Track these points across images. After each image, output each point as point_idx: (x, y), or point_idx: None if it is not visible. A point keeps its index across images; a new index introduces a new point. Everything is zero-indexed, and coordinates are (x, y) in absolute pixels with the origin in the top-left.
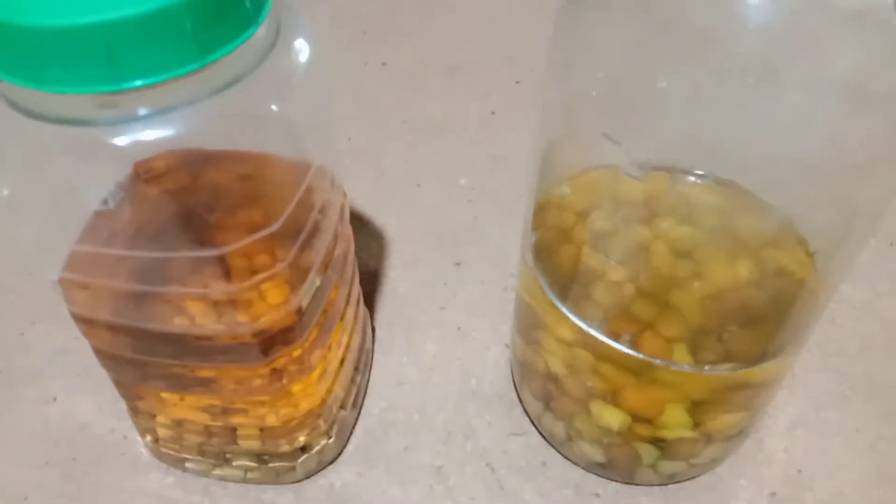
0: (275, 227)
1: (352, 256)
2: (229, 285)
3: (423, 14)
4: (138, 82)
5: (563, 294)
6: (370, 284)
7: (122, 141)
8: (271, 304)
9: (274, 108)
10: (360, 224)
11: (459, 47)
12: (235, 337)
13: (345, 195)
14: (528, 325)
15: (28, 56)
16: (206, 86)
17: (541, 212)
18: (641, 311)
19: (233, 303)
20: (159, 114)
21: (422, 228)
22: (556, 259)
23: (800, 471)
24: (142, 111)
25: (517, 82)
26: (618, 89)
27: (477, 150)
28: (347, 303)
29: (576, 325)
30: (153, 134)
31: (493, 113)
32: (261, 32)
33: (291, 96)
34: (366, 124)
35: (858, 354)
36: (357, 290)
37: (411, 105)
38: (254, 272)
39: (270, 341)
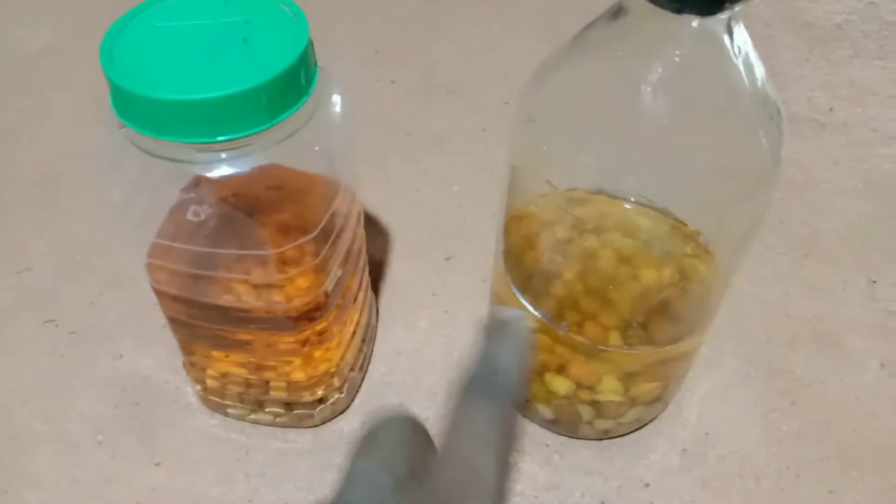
0: (313, 234)
1: (364, 251)
2: (271, 275)
3: (429, 38)
4: (228, 137)
5: (526, 290)
6: (376, 273)
7: (212, 175)
8: (303, 288)
9: (316, 148)
10: (370, 222)
11: (459, 70)
12: (273, 312)
13: (361, 204)
14: None
15: (153, 116)
16: (273, 137)
17: (510, 224)
18: (587, 305)
19: (272, 287)
20: (238, 157)
21: (419, 227)
22: (521, 262)
23: (707, 433)
24: (224, 155)
25: (506, 103)
26: (568, 143)
27: (468, 162)
28: (360, 288)
29: (535, 315)
30: (232, 170)
31: (483, 129)
32: (311, 98)
33: (329, 137)
34: (376, 135)
35: (765, 344)
36: (367, 277)
37: (415, 119)
38: (288, 264)
39: (301, 318)
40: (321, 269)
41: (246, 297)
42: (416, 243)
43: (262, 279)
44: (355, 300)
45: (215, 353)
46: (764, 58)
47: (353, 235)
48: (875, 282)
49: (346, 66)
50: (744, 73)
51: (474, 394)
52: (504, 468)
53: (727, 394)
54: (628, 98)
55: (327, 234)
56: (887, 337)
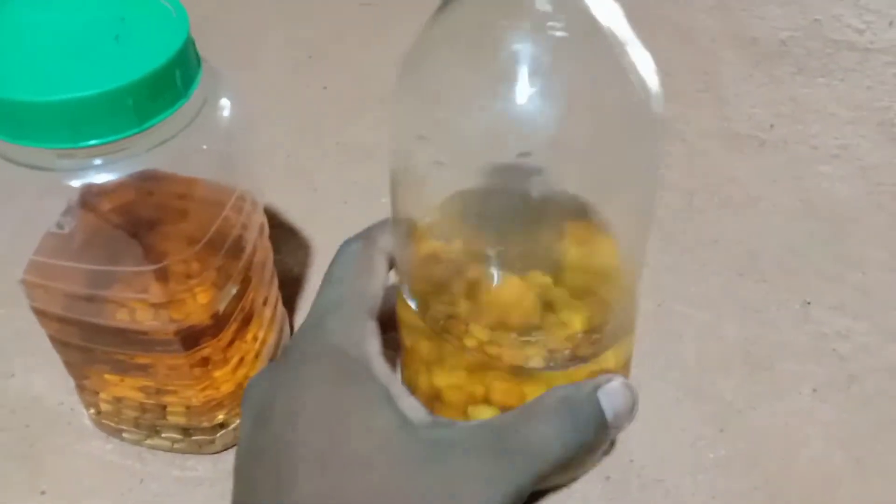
0: (197, 246)
1: (270, 264)
2: (155, 292)
3: (363, 44)
4: (91, 142)
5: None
6: (293, 288)
7: (76, 183)
8: (192, 305)
9: (204, 147)
10: (290, 234)
11: (391, 79)
12: (161, 333)
13: (263, 215)
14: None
15: (10, 119)
16: (146, 142)
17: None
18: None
19: (157, 305)
20: (108, 164)
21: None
22: (423, 285)
23: (631, 460)
24: (96, 161)
25: None
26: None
27: None
28: (265, 304)
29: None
30: (101, 178)
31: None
32: (191, 101)
33: (218, 141)
34: (304, 143)
35: (695, 367)
36: (275, 293)
37: (346, 128)
38: (186, 277)
39: (195, 336)
40: (212, 284)
41: (128, 317)
42: None
43: (150, 297)
44: (261, 317)
45: (109, 377)
46: (708, 74)
47: (253, 248)
48: (809, 303)
49: (274, 70)
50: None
51: None
52: None
53: (654, 419)
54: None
55: (217, 247)
56: (820, 361)
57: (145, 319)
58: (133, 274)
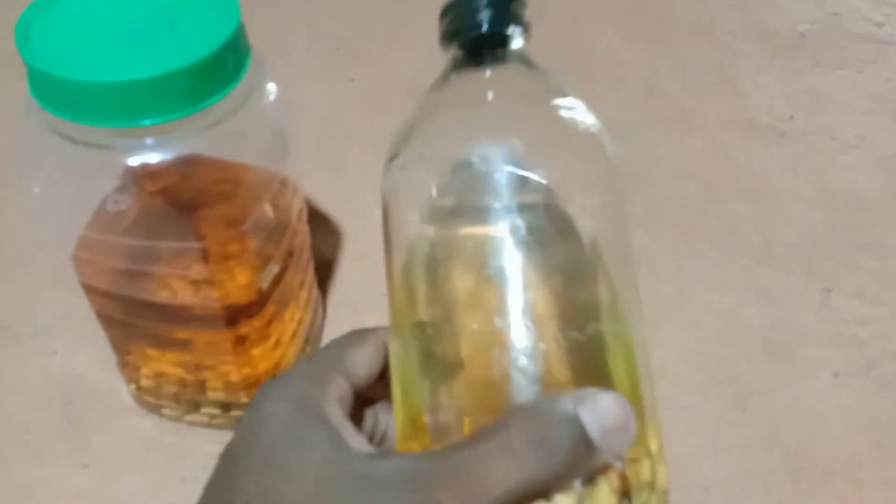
0: (243, 227)
1: (307, 249)
2: (202, 269)
3: (389, 39)
4: (146, 122)
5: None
6: (325, 272)
7: (130, 161)
8: (235, 283)
9: (251, 131)
10: (321, 221)
11: (418, 71)
12: (205, 308)
13: (303, 199)
14: None
15: (72, 99)
16: (198, 124)
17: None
18: None
19: (204, 282)
20: (161, 144)
21: (372, 228)
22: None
23: None
24: (149, 141)
25: None
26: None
27: None
28: (301, 286)
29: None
30: (153, 157)
31: None
32: (241, 85)
33: (264, 126)
34: (332, 134)
35: (716, 352)
36: (311, 276)
37: (373, 119)
38: (226, 258)
39: (235, 314)
40: (255, 265)
41: (177, 293)
42: (368, 244)
43: (193, 274)
44: (296, 299)
45: (150, 352)
46: (726, 66)
47: (293, 231)
48: (829, 291)
49: (303, 63)
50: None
51: None
52: None
53: (676, 401)
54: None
55: (262, 229)
56: (840, 346)
57: (187, 296)
58: (176, 252)
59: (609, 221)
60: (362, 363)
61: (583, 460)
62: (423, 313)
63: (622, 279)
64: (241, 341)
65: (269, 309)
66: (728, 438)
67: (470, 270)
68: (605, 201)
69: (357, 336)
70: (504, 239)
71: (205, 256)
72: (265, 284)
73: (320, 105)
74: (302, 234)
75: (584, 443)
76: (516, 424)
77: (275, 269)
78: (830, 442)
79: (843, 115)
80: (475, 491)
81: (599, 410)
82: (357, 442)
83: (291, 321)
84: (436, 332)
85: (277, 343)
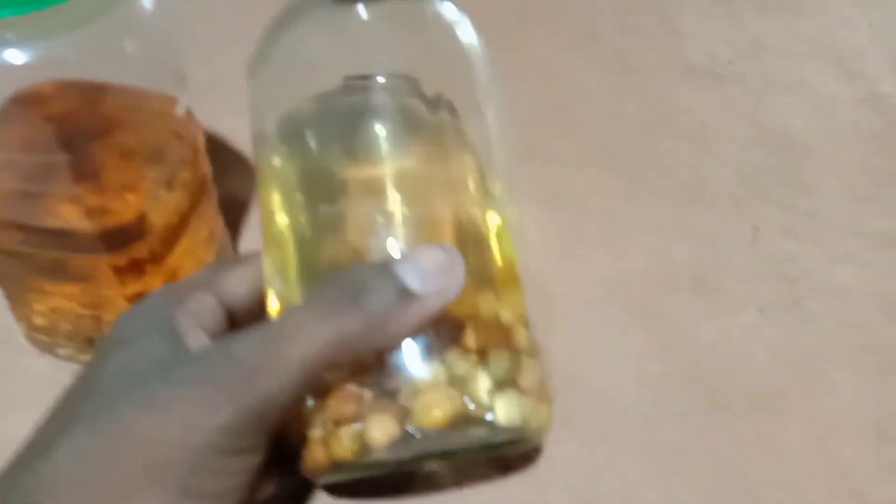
0: (143, 154)
1: (209, 181)
2: (99, 196)
3: None
4: (5, 12)
5: None
6: (237, 213)
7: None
8: (130, 211)
9: (126, 46)
10: (237, 160)
11: None
12: (89, 232)
13: (201, 129)
14: None
15: None
16: (60, 23)
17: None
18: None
19: (100, 209)
20: (22, 41)
21: None
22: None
23: (575, 375)
24: (7, 35)
25: None
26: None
27: None
28: (201, 219)
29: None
30: (14, 57)
31: None
32: None
33: (141, 42)
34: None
35: (642, 289)
36: (213, 211)
37: None
38: (121, 187)
39: (119, 239)
40: (149, 194)
41: (58, 219)
42: None
43: (88, 201)
44: (196, 234)
45: (42, 286)
46: (667, 10)
47: (186, 159)
48: (759, 229)
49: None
50: None
51: None
52: None
53: (599, 338)
54: None
55: (158, 158)
56: (768, 283)
57: (73, 220)
58: (64, 177)
59: (473, 107)
60: (239, 283)
61: (404, 310)
62: (291, 207)
63: (490, 163)
64: (130, 270)
65: (158, 238)
66: (649, 373)
67: (329, 157)
68: (470, 90)
69: (239, 258)
70: (369, 122)
71: (99, 184)
72: (151, 210)
73: (243, 43)
74: (200, 162)
75: (400, 291)
76: (331, 282)
77: (161, 194)
78: (754, 376)
79: (783, 60)
80: (286, 351)
81: (417, 259)
82: (197, 344)
83: (187, 256)
84: (302, 222)
85: (172, 278)
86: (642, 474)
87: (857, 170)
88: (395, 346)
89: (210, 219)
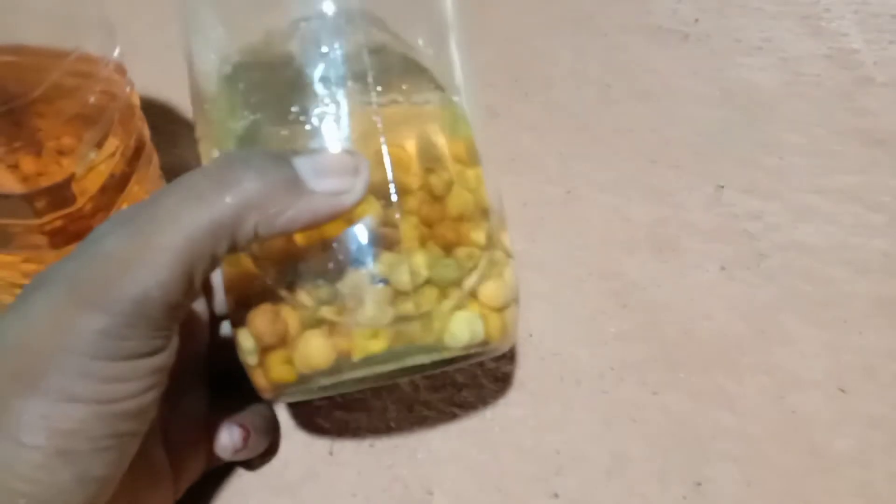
0: (74, 116)
1: (147, 145)
2: (35, 161)
3: None
4: None
5: None
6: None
7: None
8: (62, 174)
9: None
10: (189, 129)
11: None
12: (30, 199)
13: (137, 94)
14: None
15: None
16: None
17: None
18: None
19: (37, 174)
20: None
21: None
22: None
23: (530, 335)
24: None
25: None
26: None
27: None
28: (140, 185)
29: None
30: None
31: None
32: None
33: None
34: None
35: (599, 248)
36: (155, 176)
37: None
38: (58, 152)
39: (48, 203)
40: (82, 156)
41: (3, 185)
42: None
43: (23, 167)
44: (131, 198)
45: None
46: None
47: (114, 118)
48: (722, 187)
49: None
50: None
51: None
52: None
53: (555, 296)
54: None
55: (91, 121)
56: (730, 240)
57: (8, 184)
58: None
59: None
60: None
61: (290, 203)
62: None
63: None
64: (63, 236)
65: (95, 203)
66: (605, 331)
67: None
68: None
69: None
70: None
71: (37, 150)
72: (79, 171)
73: None
74: (132, 123)
75: (287, 181)
76: (214, 162)
77: (90, 155)
78: (712, 332)
79: (750, 19)
80: (156, 241)
81: (319, 156)
82: None
83: None
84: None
85: None
86: (595, 433)
87: (823, 126)
88: (291, 241)
89: (152, 183)
